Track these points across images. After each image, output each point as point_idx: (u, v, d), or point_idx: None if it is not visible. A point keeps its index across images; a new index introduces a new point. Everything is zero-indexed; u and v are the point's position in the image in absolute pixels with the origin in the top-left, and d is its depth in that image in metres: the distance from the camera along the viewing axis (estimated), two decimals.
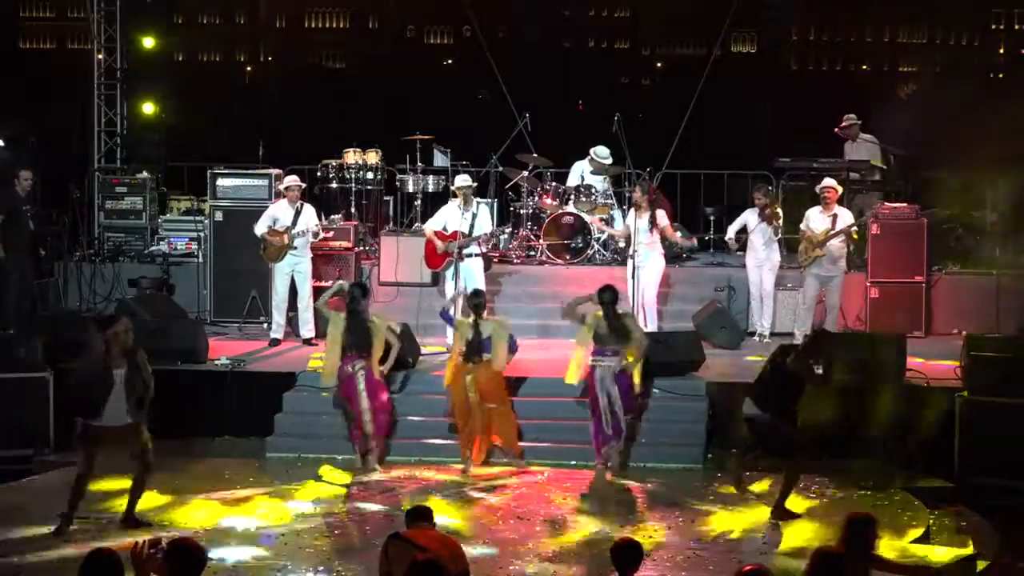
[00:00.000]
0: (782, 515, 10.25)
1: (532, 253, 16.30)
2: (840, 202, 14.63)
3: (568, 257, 15.97)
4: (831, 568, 5.95)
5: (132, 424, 9.74)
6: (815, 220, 14.33)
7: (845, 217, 14.37)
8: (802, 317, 14.46)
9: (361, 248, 15.98)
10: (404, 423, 12.31)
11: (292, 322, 14.61)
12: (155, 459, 9.94)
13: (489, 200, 16.34)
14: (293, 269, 14.31)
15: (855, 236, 14.60)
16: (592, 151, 16.43)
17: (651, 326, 13.81)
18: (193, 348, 13.29)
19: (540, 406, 12.35)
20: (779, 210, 14.54)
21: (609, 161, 16.36)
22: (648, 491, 11.11)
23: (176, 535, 8.88)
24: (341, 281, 12.89)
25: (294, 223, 14.22)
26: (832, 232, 14.17)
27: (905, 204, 15.66)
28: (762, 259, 14.57)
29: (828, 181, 14.55)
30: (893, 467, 11.71)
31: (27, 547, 9.42)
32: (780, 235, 14.59)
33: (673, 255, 15.81)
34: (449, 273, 14.03)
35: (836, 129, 16.86)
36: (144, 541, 5.95)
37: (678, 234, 14.90)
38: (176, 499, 10.51)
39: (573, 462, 11.92)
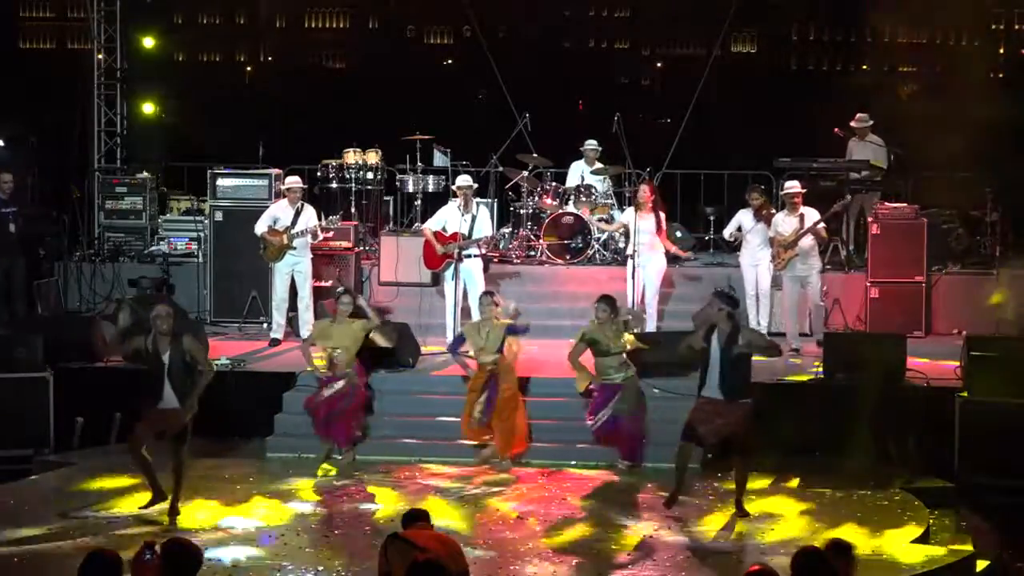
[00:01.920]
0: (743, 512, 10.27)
1: (532, 253, 16.29)
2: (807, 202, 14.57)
3: (568, 257, 15.96)
4: (812, 566, 5.94)
5: (175, 409, 10.03)
6: (782, 224, 14.28)
7: (812, 215, 14.32)
8: (787, 322, 14.39)
9: (361, 248, 15.97)
10: (404, 423, 12.34)
11: (292, 322, 14.60)
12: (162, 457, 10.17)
13: (489, 200, 16.35)
14: (293, 269, 14.31)
15: (824, 235, 14.55)
16: (584, 149, 16.51)
17: (651, 326, 13.82)
18: None
19: (540, 406, 12.33)
20: (775, 212, 14.54)
21: (599, 149, 16.45)
22: (648, 491, 11.10)
23: (173, 535, 8.87)
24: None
25: (294, 223, 14.23)
26: (801, 232, 14.14)
27: (905, 204, 15.65)
28: (758, 258, 14.56)
29: (792, 184, 14.53)
30: (893, 467, 11.70)
31: (26, 547, 9.41)
32: None
33: (674, 255, 15.78)
34: (448, 274, 14.03)
35: (836, 129, 16.83)
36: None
37: (674, 247, 14.79)
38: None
39: (573, 462, 11.91)
